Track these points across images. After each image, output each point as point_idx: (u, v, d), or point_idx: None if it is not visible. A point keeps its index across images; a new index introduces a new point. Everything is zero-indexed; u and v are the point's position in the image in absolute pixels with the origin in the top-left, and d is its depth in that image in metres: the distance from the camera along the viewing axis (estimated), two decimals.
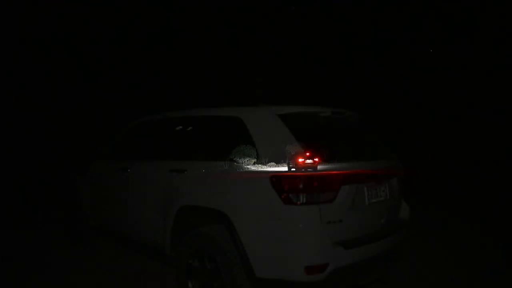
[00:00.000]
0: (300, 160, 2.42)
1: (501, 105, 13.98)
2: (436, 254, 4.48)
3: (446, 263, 4.20)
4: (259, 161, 2.56)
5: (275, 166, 2.47)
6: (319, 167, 2.41)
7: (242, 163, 2.65)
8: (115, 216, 3.88)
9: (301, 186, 2.36)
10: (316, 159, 2.44)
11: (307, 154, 2.45)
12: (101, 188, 4.23)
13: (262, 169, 2.51)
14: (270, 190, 2.42)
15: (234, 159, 2.74)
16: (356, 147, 3.15)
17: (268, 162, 2.52)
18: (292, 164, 2.42)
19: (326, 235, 2.37)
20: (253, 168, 2.57)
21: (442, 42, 15.09)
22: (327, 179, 2.44)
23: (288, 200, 2.37)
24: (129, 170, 3.70)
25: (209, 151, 3.04)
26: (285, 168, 2.42)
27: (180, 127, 3.58)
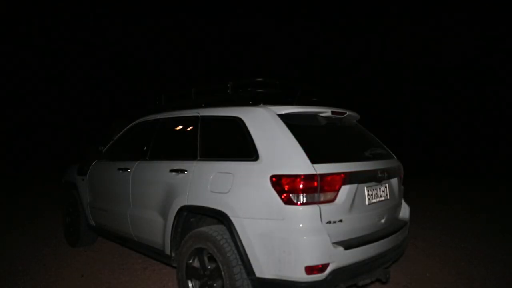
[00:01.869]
0: (300, 160, 2.42)
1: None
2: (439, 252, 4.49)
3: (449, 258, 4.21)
4: (259, 161, 2.56)
5: (275, 166, 2.47)
6: (319, 167, 2.42)
7: (242, 163, 2.65)
8: (115, 216, 3.88)
9: (301, 186, 2.36)
10: (316, 159, 2.44)
11: (307, 154, 2.45)
12: (101, 188, 4.23)
13: (262, 169, 2.51)
14: (270, 190, 2.43)
15: (234, 159, 2.75)
16: (356, 147, 3.15)
17: (268, 162, 2.52)
18: (292, 164, 2.41)
19: (326, 235, 2.37)
20: (253, 168, 2.57)
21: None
22: (327, 179, 2.44)
23: (288, 200, 2.37)
24: (129, 170, 3.70)
25: (210, 151, 3.04)
26: (285, 168, 2.42)
27: (181, 127, 3.59)
